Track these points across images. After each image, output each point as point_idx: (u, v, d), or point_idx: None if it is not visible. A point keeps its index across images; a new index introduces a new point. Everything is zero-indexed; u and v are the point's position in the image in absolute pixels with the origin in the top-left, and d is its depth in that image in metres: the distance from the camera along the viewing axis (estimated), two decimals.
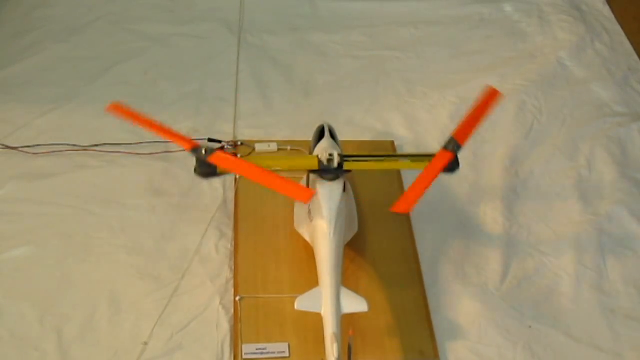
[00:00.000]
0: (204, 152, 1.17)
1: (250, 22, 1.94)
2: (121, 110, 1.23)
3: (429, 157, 1.22)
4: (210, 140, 1.55)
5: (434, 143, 1.63)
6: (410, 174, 1.53)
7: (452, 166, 1.22)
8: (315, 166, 1.22)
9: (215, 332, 1.24)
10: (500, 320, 1.30)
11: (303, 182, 1.36)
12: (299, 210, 1.34)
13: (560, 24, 2.01)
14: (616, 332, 1.30)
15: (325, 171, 1.21)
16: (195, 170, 1.20)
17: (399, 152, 1.58)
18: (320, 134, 1.36)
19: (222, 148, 1.53)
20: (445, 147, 1.21)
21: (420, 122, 1.68)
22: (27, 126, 1.57)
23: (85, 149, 1.53)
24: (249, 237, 1.37)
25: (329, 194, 1.21)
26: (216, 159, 1.17)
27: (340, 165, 1.21)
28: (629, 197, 1.54)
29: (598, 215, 1.50)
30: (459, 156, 1.22)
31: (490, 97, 1.28)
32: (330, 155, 1.21)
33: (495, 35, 1.97)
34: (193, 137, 1.55)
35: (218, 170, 1.19)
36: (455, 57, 1.89)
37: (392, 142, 1.60)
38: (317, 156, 1.22)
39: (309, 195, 1.14)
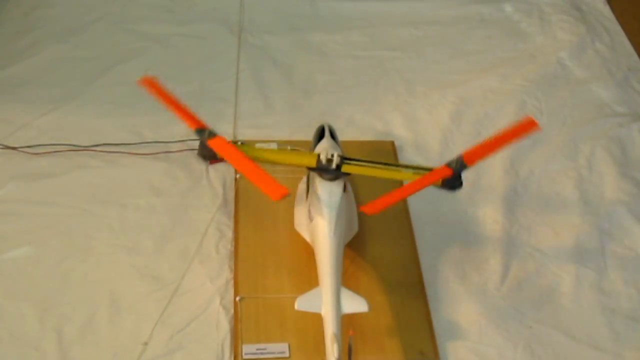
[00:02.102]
0: (207, 134, 1.21)
1: (250, 22, 1.94)
2: (152, 85, 1.27)
3: (429, 169, 1.20)
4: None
5: (434, 143, 1.63)
6: None
7: (453, 184, 1.18)
8: (313, 164, 1.21)
9: (215, 332, 1.24)
10: (501, 320, 1.30)
11: (303, 182, 1.36)
12: (299, 210, 1.34)
13: (560, 24, 2.01)
14: (616, 332, 1.30)
15: (324, 170, 1.21)
16: (197, 152, 1.25)
17: (399, 152, 1.58)
18: (320, 134, 1.36)
19: None
20: (449, 164, 1.18)
21: (420, 122, 1.68)
22: (27, 126, 1.57)
23: (85, 149, 1.53)
24: (249, 237, 1.37)
25: (329, 194, 1.21)
26: (214, 144, 1.20)
27: (338, 167, 1.21)
28: (629, 197, 1.54)
29: (598, 215, 1.50)
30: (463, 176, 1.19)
31: (525, 127, 1.20)
32: (332, 155, 1.21)
33: (495, 35, 1.97)
34: (193, 137, 1.56)
35: (218, 156, 1.21)
36: (455, 57, 1.89)
37: (392, 142, 1.60)
38: (318, 154, 1.22)
39: (281, 194, 1.12)
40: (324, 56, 1.86)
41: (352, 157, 1.23)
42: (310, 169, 1.24)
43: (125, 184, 1.47)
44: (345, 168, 1.21)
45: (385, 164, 1.24)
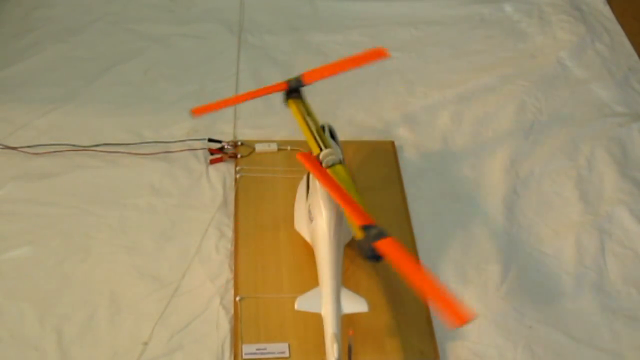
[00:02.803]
0: (376, 235, 1.04)
1: (250, 22, 1.94)
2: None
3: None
4: (210, 140, 1.55)
5: (434, 143, 1.63)
6: (411, 175, 1.54)
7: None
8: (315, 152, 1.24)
9: (215, 332, 1.24)
10: (500, 320, 1.30)
11: (303, 182, 1.36)
12: (299, 210, 1.34)
13: (560, 24, 2.01)
14: (616, 332, 1.30)
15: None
16: (359, 247, 1.07)
17: (399, 152, 1.58)
18: None
19: (231, 154, 1.53)
20: (288, 80, 1.28)
21: (420, 122, 1.68)
22: (27, 126, 1.57)
23: (85, 149, 1.53)
24: (249, 237, 1.37)
25: (329, 194, 1.21)
26: (383, 246, 1.03)
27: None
28: (629, 197, 1.54)
29: (598, 215, 1.50)
30: None
31: (374, 55, 1.30)
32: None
33: (495, 35, 1.97)
34: (193, 137, 1.56)
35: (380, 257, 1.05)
36: (455, 57, 1.89)
37: (392, 142, 1.60)
38: (319, 153, 1.23)
39: (466, 318, 0.94)
40: (324, 56, 1.86)
41: (350, 166, 1.23)
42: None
43: (125, 184, 1.47)
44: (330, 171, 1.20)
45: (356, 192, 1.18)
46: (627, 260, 1.43)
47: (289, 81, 1.31)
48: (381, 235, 1.03)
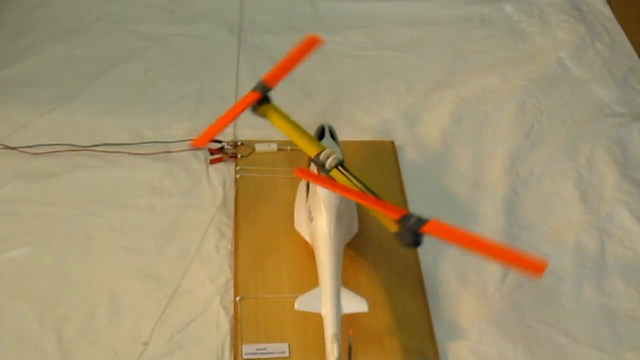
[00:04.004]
0: (413, 222, 1.07)
1: (250, 22, 1.94)
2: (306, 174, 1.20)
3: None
4: (210, 140, 1.55)
5: (434, 143, 1.63)
6: (411, 175, 1.54)
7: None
8: (313, 155, 1.21)
9: (215, 332, 1.24)
10: (501, 320, 1.30)
11: (303, 182, 1.36)
12: (299, 210, 1.34)
13: (560, 24, 2.01)
14: (616, 332, 1.30)
15: (316, 163, 1.21)
16: (400, 238, 1.09)
17: (399, 152, 1.58)
18: (320, 134, 1.36)
19: (231, 154, 1.53)
20: (255, 88, 1.25)
21: (420, 122, 1.68)
22: (27, 126, 1.57)
23: (85, 149, 1.53)
24: (249, 237, 1.37)
25: (329, 194, 1.21)
26: (430, 228, 1.07)
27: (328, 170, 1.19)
28: (629, 197, 1.54)
29: (598, 215, 1.50)
30: None
31: (309, 45, 1.31)
32: (328, 157, 1.20)
33: (495, 35, 1.97)
34: (193, 138, 1.56)
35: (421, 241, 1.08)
36: (455, 57, 1.89)
37: (392, 142, 1.60)
38: (321, 150, 1.21)
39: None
40: (324, 56, 1.86)
41: (349, 166, 1.20)
42: (310, 159, 1.24)
43: (125, 184, 1.47)
44: (333, 173, 1.19)
45: (369, 189, 1.17)
46: (627, 260, 1.43)
47: (256, 89, 1.26)
48: (421, 221, 1.07)
